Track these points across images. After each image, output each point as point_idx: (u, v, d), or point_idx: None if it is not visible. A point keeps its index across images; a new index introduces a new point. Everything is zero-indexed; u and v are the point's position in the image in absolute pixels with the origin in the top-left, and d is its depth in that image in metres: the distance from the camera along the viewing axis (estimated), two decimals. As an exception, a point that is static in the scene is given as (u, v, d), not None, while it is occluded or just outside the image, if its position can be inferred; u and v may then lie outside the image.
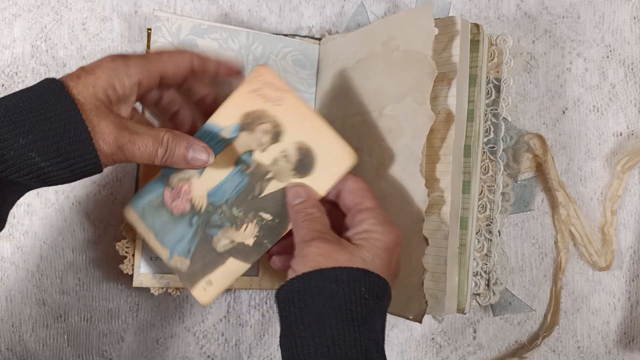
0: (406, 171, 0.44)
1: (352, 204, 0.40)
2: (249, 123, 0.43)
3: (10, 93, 0.35)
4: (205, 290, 0.43)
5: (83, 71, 0.36)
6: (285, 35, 0.54)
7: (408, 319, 0.43)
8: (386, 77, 0.47)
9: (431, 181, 0.46)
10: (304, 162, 0.42)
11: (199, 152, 0.40)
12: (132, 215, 0.45)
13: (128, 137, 0.36)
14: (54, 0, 0.53)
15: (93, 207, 0.53)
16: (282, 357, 0.36)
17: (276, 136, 0.43)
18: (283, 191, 0.42)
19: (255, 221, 0.43)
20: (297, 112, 0.42)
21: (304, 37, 0.54)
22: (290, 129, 0.42)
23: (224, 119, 0.43)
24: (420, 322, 0.43)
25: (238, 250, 0.43)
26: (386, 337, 0.56)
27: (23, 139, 0.33)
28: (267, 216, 0.43)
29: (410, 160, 0.44)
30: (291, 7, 0.56)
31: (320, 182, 0.42)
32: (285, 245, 0.42)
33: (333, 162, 0.42)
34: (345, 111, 0.50)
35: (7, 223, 0.52)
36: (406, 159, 0.44)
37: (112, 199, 0.53)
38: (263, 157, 0.43)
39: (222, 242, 0.43)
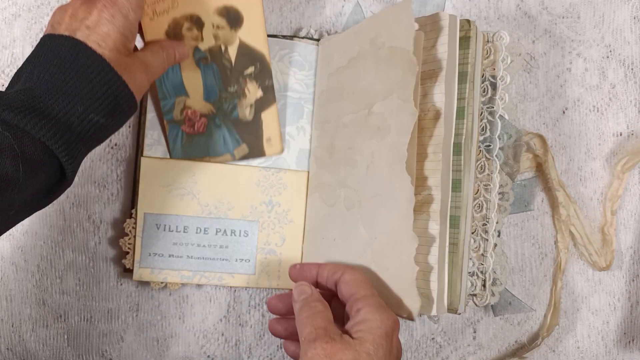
0: (393, 169, 0.44)
1: (348, 294, 0.42)
2: (175, 37, 0.48)
3: (38, 60, 0.38)
4: (272, 146, 0.52)
5: (89, 30, 0.38)
6: (284, 36, 0.54)
7: (402, 317, 0.43)
8: (374, 75, 0.47)
9: (421, 179, 0.46)
10: (232, 17, 0.49)
11: (180, 47, 0.47)
12: (181, 163, 0.52)
13: (149, 71, 0.42)
14: (53, 0, 0.53)
15: (93, 207, 0.53)
16: None
17: (198, 23, 0.49)
18: (241, 45, 0.50)
19: (247, 80, 0.51)
20: None
21: (303, 38, 0.54)
22: (201, 10, 0.49)
23: None
24: (414, 319, 0.43)
25: (260, 105, 0.51)
26: (386, 337, 0.56)
27: (80, 106, 0.37)
28: (250, 69, 0.51)
29: (396, 158, 0.44)
30: (291, 7, 0.56)
31: (255, 18, 0.49)
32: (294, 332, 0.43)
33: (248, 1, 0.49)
34: (339, 111, 0.50)
35: (7, 223, 0.52)
36: (393, 157, 0.44)
37: (112, 199, 0.53)
38: (206, 43, 0.49)
39: (246, 112, 0.51)
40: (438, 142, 0.45)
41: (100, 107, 0.38)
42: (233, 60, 0.50)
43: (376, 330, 0.38)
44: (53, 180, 0.38)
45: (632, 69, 0.58)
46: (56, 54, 0.38)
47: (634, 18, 0.58)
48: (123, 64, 0.39)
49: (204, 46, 0.49)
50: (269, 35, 0.53)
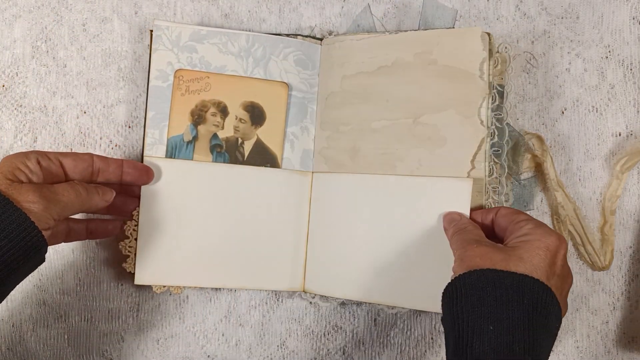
0: (451, 176, 0.48)
1: (507, 222, 0.43)
2: (198, 117, 0.51)
3: None
4: None
5: None
6: (287, 35, 0.54)
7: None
8: (421, 87, 0.50)
9: None
10: (256, 114, 0.52)
11: (107, 192, 0.45)
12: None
13: (48, 189, 0.40)
14: (54, 1, 0.53)
15: (93, 207, 0.53)
16: (445, 335, 0.39)
17: (224, 111, 0.51)
18: (257, 142, 0.52)
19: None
20: (226, 84, 0.51)
21: (306, 37, 0.54)
22: (230, 100, 0.51)
23: (178, 127, 0.51)
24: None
25: None
26: (386, 337, 0.56)
27: None
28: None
29: (455, 167, 0.48)
30: (291, 8, 0.56)
31: (277, 121, 0.52)
32: None
33: (274, 98, 0.52)
34: (364, 115, 0.51)
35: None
36: (453, 166, 0.48)
37: (113, 200, 0.53)
38: (226, 132, 0.51)
39: None
40: (482, 151, 0.48)
41: None
42: (246, 155, 0.52)
43: (534, 242, 0.39)
44: None
45: (631, 70, 0.58)
46: None
47: (633, 19, 0.58)
48: (8, 186, 0.38)
49: (222, 134, 0.51)
50: (272, 34, 0.53)
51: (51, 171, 0.42)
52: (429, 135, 0.49)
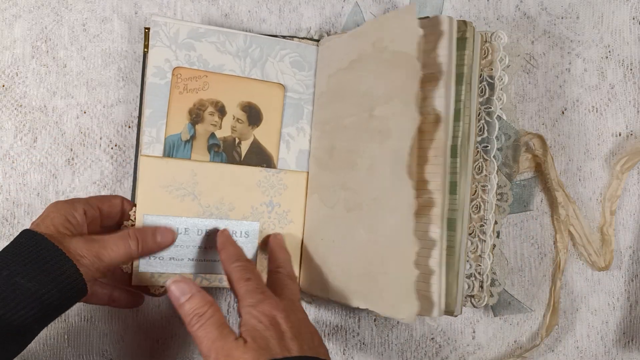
0: (394, 173, 0.44)
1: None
2: (196, 116, 0.50)
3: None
4: None
5: (39, 219, 0.43)
6: (284, 36, 0.54)
7: (399, 319, 0.43)
8: (375, 78, 0.47)
9: (422, 183, 0.46)
10: (253, 114, 0.52)
11: (166, 233, 0.48)
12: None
13: (98, 244, 0.43)
14: (54, 1, 0.53)
15: (93, 207, 0.53)
16: None
17: (222, 111, 0.51)
18: (254, 142, 0.52)
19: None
20: (224, 84, 0.51)
21: (302, 38, 0.54)
22: (227, 98, 0.51)
23: (176, 126, 0.50)
24: (413, 322, 0.43)
25: None
26: (386, 338, 0.56)
27: (5, 270, 0.38)
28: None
29: (398, 162, 0.44)
30: (291, 8, 0.56)
31: (273, 122, 0.52)
32: None
33: (270, 99, 0.52)
34: (339, 112, 0.50)
35: (8, 223, 0.52)
36: (394, 161, 0.44)
37: (113, 200, 0.53)
38: (224, 132, 0.51)
39: None
40: (439, 145, 0.45)
41: (26, 270, 0.39)
42: (243, 155, 0.52)
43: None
44: None
45: (631, 69, 0.58)
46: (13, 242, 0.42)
47: (633, 19, 0.58)
48: (60, 236, 0.42)
49: (220, 134, 0.51)
50: (269, 35, 0.54)
51: (93, 219, 0.46)
52: (380, 129, 0.46)
